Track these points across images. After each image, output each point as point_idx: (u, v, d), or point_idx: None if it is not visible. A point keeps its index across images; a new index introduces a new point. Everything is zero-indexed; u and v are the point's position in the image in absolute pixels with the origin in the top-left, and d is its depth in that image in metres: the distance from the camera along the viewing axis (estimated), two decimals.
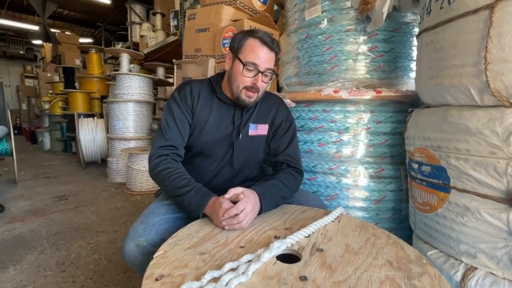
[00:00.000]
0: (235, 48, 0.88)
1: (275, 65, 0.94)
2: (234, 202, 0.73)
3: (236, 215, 0.69)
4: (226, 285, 0.48)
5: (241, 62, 0.85)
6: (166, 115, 0.91)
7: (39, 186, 2.95)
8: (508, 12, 0.58)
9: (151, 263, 0.56)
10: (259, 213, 0.78)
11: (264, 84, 0.89)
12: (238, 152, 0.96)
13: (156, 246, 0.65)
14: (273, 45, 0.87)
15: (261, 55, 0.85)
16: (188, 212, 0.79)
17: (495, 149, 0.63)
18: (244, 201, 0.72)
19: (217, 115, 0.94)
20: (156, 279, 0.50)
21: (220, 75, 0.99)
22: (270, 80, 0.92)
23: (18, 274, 1.34)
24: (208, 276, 0.50)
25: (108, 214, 2.17)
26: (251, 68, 0.85)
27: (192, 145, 0.95)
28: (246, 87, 0.87)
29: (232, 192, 0.75)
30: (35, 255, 1.52)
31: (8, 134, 2.81)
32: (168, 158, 0.86)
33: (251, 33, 0.88)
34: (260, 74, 0.86)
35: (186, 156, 0.95)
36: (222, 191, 0.75)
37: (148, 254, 0.69)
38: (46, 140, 5.76)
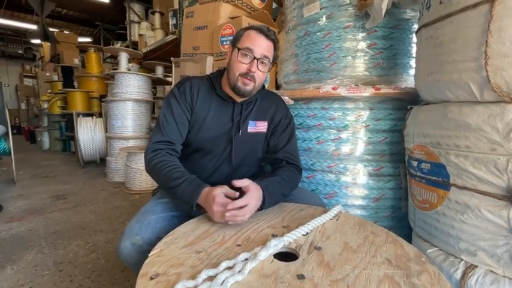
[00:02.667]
0: (234, 40, 0.91)
1: (274, 62, 0.94)
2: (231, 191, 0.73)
3: (240, 207, 0.69)
4: (221, 284, 0.47)
5: (238, 48, 0.87)
6: (165, 111, 0.90)
7: (37, 186, 2.94)
8: (508, 6, 0.58)
9: (146, 261, 0.55)
10: (259, 209, 0.77)
11: (260, 74, 0.88)
12: (237, 148, 0.95)
13: (152, 244, 0.64)
14: (269, 33, 0.88)
15: (256, 42, 0.86)
16: (182, 202, 0.79)
17: (495, 145, 0.62)
18: (250, 197, 0.72)
19: (217, 112, 0.94)
20: (151, 278, 0.49)
21: (220, 72, 0.99)
22: (268, 70, 0.92)
23: (16, 273, 1.34)
24: (203, 274, 0.49)
25: (107, 213, 2.16)
26: (247, 54, 0.86)
27: (191, 142, 0.94)
28: (241, 74, 0.87)
29: (239, 184, 0.75)
30: (32, 255, 1.51)
31: (7, 134, 2.80)
32: (163, 152, 0.85)
33: (249, 26, 0.91)
34: (256, 60, 0.86)
35: (184, 153, 0.94)
36: None
37: (144, 253, 0.68)
38: (45, 140, 5.75)
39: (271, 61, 0.90)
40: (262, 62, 0.87)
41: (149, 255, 0.57)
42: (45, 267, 1.39)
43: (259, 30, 0.88)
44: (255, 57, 0.86)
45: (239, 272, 0.50)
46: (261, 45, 0.86)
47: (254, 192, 0.74)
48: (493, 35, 0.59)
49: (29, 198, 2.50)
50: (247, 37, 0.87)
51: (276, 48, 0.92)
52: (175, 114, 0.89)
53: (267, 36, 0.87)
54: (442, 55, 0.73)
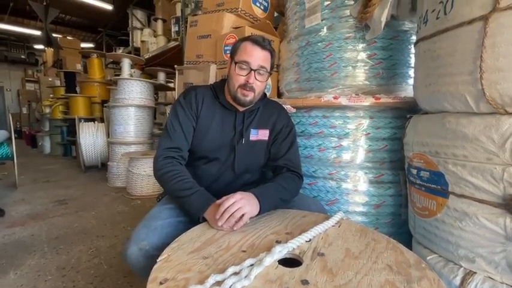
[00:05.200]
0: (232, 52, 0.94)
1: (274, 70, 0.96)
2: None
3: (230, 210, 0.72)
4: None
5: (235, 62, 0.90)
6: (172, 118, 0.94)
7: (39, 191, 2.95)
8: (501, 23, 0.61)
9: (155, 266, 0.57)
10: (259, 212, 0.79)
11: (259, 83, 0.92)
12: (240, 156, 0.98)
13: (158, 250, 0.65)
14: (264, 43, 0.91)
15: (252, 54, 0.89)
16: (189, 214, 0.81)
17: (491, 155, 0.65)
18: (231, 195, 0.75)
19: (220, 120, 0.97)
20: (160, 283, 0.51)
21: (223, 82, 1.02)
22: (266, 79, 0.95)
23: (19, 278, 1.34)
24: (211, 280, 0.51)
25: (109, 219, 2.17)
26: (244, 66, 0.89)
27: (195, 149, 0.96)
28: (240, 86, 0.90)
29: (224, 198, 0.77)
30: (35, 260, 1.52)
31: (9, 138, 2.82)
32: (174, 161, 0.89)
33: (245, 38, 0.94)
34: (253, 72, 0.89)
35: (189, 160, 0.97)
36: (222, 195, 0.77)
37: (150, 258, 0.70)
38: (46, 144, 5.77)
39: (268, 70, 0.93)
40: (259, 73, 0.90)
41: (157, 260, 0.59)
42: (48, 273, 1.40)
43: (255, 41, 0.90)
44: (251, 69, 0.89)
45: (245, 277, 0.52)
46: (257, 57, 0.89)
47: (235, 194, 0.76)
48: (487, 50, 0.62)
49: (30, 203, 2.51)
50: (243, 50, 0.90)
51: (272, 56, 0.95)
52: (181, 121, 0.92)
53: (263, 47, 0.90)
54: (439, 68, 0.76)
